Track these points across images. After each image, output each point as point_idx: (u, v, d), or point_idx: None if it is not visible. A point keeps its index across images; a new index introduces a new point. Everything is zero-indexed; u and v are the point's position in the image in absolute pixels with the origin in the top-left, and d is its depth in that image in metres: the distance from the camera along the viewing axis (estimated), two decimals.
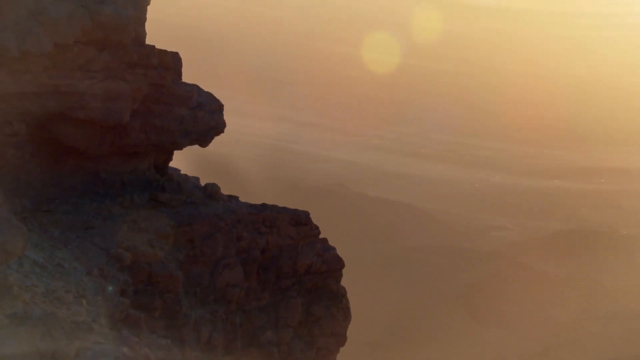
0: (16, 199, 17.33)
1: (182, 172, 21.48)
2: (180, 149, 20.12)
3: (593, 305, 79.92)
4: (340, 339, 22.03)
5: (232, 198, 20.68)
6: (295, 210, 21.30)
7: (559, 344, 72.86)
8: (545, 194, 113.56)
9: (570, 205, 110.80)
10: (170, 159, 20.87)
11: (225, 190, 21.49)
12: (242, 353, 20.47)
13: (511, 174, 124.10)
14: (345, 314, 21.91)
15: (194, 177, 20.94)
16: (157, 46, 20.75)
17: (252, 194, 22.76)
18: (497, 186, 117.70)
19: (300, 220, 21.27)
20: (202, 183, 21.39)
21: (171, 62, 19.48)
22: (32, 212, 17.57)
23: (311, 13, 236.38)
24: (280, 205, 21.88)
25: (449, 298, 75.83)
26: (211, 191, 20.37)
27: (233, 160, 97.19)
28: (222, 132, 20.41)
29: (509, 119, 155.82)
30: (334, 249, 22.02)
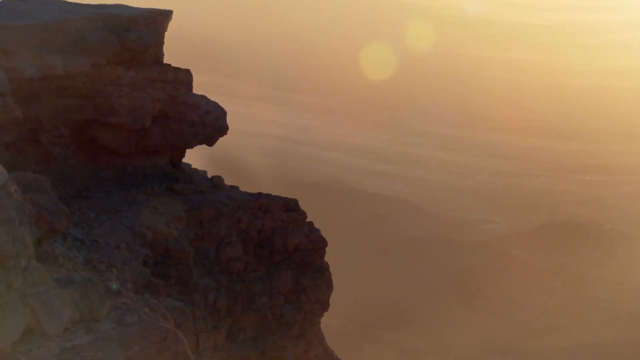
0: (61, 188, 18.12)
1: (193, 166, 22.05)
2: (191, 147, 21.01)
3: (577, 293, 79.24)
4: (324, 305, 22.53)
5: (234, 188, 21.52)
6: (286, 198, 22.02)
7: (544, 328, 72.40)
8: (531, 190, 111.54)
9: (555, 200, 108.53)
10: (183, 156, 21.43)
11: (237, 184, 21.91)
12: (241, 315, 21.02)
13: (499, 172, 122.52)
14: (328, 285, 22.43)
15: (202, 171, 21.70)
16: (176, 57, 21.68)
17: (259, 189, 23.68)
18: (486, 183, 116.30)
19: (290, 206, 21.80)
20: (209, 176, 21.87)
21: (184, 77, 20.40)
22: (73, 198, 18.40)
23: (312, 28, 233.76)
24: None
25: (441, 285, 75.68)
26: (216, 182, 21.23)
27: (243, 159, 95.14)
28: (226, 133, 21.29)
29: (497, 121, 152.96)
30: (318, 230, 22.48)
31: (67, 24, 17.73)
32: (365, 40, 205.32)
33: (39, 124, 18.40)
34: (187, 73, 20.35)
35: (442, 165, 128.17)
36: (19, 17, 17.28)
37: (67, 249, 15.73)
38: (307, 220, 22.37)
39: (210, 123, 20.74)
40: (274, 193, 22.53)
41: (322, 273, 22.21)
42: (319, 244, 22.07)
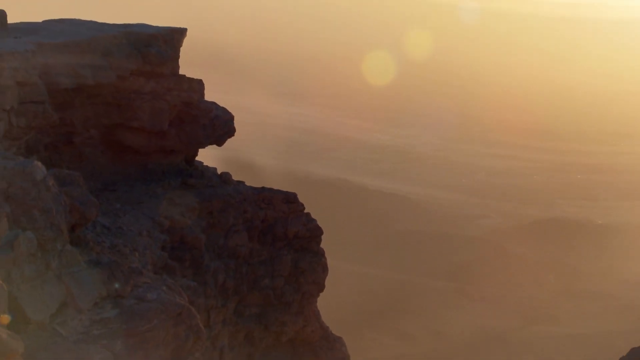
0: (91, 182, 18.57)
1: (205, 164, 22.38)
2: (203, 147, 21.45)
3: (569, 285, 77.49)
4: (320, 286, 22.86)
5: (240, 182, 21.88)
6: (287, 192, 22.35)
7: (537, 318, 70.91)
8: (525, 187, 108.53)
9: (548, 197, 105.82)
10: (196, 155, 21.88)
11: (250, 182, 22.40)
12: (247, 294, 21.49)
13: (494, 170, 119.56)
14: (324, 268, 22.77)
15: (213, 168, 22.02)
16: (192, 65, 22.13)
17: (269, 185, 24.36)
18: (481, 181, 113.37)
19: (290, 199, 22.14)
20: (219, 172, 22.11)
21: (197, 86, 20.85)
22: (101, 191, 18.95)
23: (318, 37, 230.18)
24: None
25: (439, 276, 74.03)
26: (225, 177, 21.62)
27: (255, 159, 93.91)
28: (233, 135, 21.71)
29: (492, 122, 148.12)
30: (315, 220, 22.68)
31: (97, 41, 18.34)
32: (367, 48, 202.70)
33: (73, 127, 19.02)
34: (200, 83, 20.86)
35: (439, 164, 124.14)
36: (56, 36, 17.93)
37: (96, 234, 16.26)
38: (307, 212, 22.79)
39: (219, 126, 21.24)
40: (283, 190, 22.79)
41: (318, 258, 22.59)
42: (316, 232, 22.44)
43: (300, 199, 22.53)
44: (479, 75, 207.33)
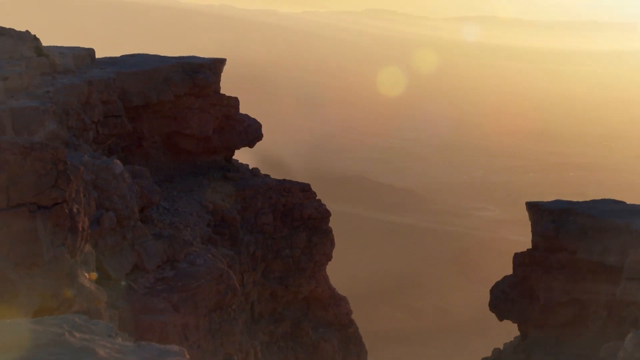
0: (155, 175, 19.58)
1: (240, 161, 23.45)
2: (238, 149, 22.64)
3: None
4: (328, 256, 23.50)
5: (267, 175, 22.96)
6: (302, 183, 23.37)
7: None
8: (521, 184, 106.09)
9: (542, 193, 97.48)
10: (233, 154, 22.95)
11: (278, 176, 23.03)
12: (271, 262, 22.39)
13: (492, 169, 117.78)
14: (331, 243, 23.36)
15: (245, 164, 23.15)
16: (230, 84, 22.94)
17: (295, 180, 23.77)
18: (481, 178, 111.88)
19: (305, 188, 23.13)
20: (250, 168, 23.26)
21: (233, 102, 22.38)
22: (163, 182, 20.05)
23: (336, 54, 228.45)
24: (314, 188, 23.35)
25: (442, 260, 73.21)
26: (255, 172, 22.90)
27: (284, 158, 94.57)
28: (261, 139, 22.87)
29: (491, 127, 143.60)
30: (324, 205, 23.38)
31: (159, 70, 20.08)
32: (380, 64, 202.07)
33: (142, 134, 20.54)
34: (236, 100, 22.54)
35: (442, 163, 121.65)
36: (130, 66, 19.78)
37: (159, 214, 17.95)
38: (319, 198, 23.81)
39: (251, 133, 22.74)
40: (300, 181, 23.54)
41: (327, 235, 23.39)
42: (325, 214, 23.31)
43: (322, 193, 23.24)
44: (479, 85, 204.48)
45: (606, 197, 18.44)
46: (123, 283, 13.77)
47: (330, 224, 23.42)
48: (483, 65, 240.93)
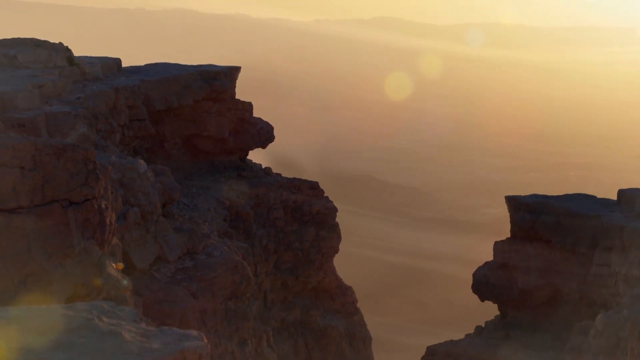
0: (176, 174, 19.05)
1: (254, 161, 23.64)
2: (252, 150, 22.97)
3: None
4: (335, 249, 23.47)
5: (278, 174, 23.25)
6: (311, 181, 23.54)
7: None
8: (523, 183, 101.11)
9: (542, 192, 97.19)
10: (247, 155, 23.08)
11: (290, 176, 23.16)
12: (283, 253, 22.51)
13: (495, 168, 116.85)
14: (338, 236, 23.38)
15: (259, 164, 23.36)
16: (245, 89, 23.26)
17: (306, 179, 23.83)
18: (484, 177, 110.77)
19: (314, 186, 23.24)
20: (263, 167, 23.49)
21: (247, 107, 22.43)
22: (183, 180, 20.16)
23: (346, 61, 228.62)
24: (322, 187, 23.39)
25: (448, 254, 72.25)
26: (267, 171, 23.08)
27: (295, 158, 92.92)
28: (273, 141, 23.18)
29: (493, 129, 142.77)
30: (332, 202, 23.26)
31: (179, 78, 20.52)
32: (387, 69, 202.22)
33: (164, 136, 20.94)
34: (250, 104, 22.59)
35: (447, 163, 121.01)
36: (153, 74, 20.35)
37: (179, 209, 17.76)
38: (326, 195, 23.90)
39: (263, 135, 23.08)
40: (309, 180, 23.88)
41: (334, 229, 23.48)
42: (332, 210, 23.40)
43: (332, 191, 23.24)
44: (482, 89, 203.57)
45: (605, 195, 19.21)
46: (147, 273, 14.26)
47: (339, 221, 23.43)
48: (486, 70, 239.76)
